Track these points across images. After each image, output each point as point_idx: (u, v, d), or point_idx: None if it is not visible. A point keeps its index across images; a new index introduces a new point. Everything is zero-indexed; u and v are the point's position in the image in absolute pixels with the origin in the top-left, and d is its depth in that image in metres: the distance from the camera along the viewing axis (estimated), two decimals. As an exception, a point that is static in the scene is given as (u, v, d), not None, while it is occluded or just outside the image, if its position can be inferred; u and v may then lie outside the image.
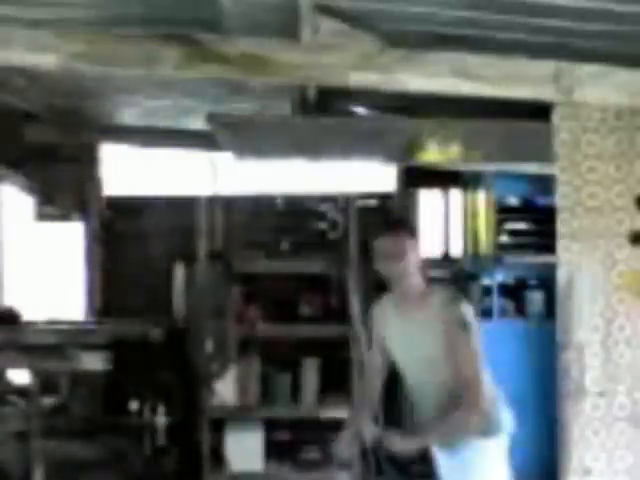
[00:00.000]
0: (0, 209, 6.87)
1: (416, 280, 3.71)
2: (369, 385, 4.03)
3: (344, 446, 3.97)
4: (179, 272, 6.90)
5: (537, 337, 5.87)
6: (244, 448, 6.18)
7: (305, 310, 6.51)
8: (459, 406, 3.55)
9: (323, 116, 5.39)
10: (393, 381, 4.04)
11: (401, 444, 3.63)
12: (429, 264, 7.12)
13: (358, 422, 3.84)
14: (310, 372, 6.36)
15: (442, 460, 3.85)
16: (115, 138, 7.06)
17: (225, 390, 6.20)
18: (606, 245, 4.01)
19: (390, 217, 6.68)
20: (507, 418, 3.78)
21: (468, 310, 3.65)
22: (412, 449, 3.64)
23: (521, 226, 6.21)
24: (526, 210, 6.16)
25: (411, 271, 3.68)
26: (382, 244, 3.68)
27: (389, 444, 3.64)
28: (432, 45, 3.88)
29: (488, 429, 3.65)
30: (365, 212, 6.59)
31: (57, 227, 7.08)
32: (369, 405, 3.96)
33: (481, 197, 6.34)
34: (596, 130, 4.03)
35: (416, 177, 6.71)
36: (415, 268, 3.70)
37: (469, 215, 6.65)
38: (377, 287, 4.12)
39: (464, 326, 3.59)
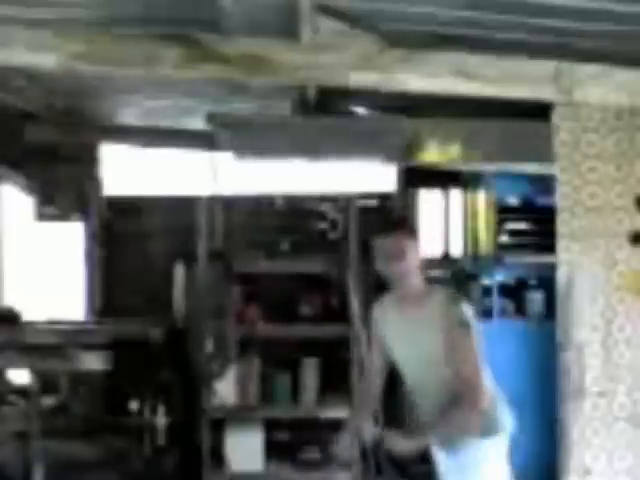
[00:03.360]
0: (0, 209, 6.87)
1: (416, 280, 3.73)
2: (369, 385, 4.02)
3: (344, 447, 3.98)
4: (179, 272, 6.88)
5: (537, 337, 5.87)
6: (244, 448, 6.18)
7: (305, 310, 6.51)
8: (459, 405, 3.56)
9: (323, 116, 5.39)
10: (394, 381, 4.04)
11: (401, 444, 3.64)
12: (429, 264, 7.14)
13: (358, 422, 3.84)
14: (310, 372, 6.36)
15: (442, 460, 3.86)
16: (115, 138, 7.05)
17: (225, 390, 6.20)
18: (606, 245, 4.00)
19: (390, 217, 6.65)
20: (507, 418, 3.79)
21: (468, 310, 3.67)
22: (412, 449, 3.65)
23: (521, 226, 6.21)
24: (526, 210, 6.15)
25: (411, 271, 3.70)
26: (383, 244, 3.70)
27: (389, 444, 3.65)
28: (432, 45, 3.88)
29: (488, 429, 3.66)
30: (365, 212, 6.59)
31: (57, 227, 7.07)
32: (369, 405, 3.95)
33: (481, 197, 6.33)
34: (596, 130, 4.03)
35: (416, 177, 6.70)
36: (415, 268, 3.72)
37: (469, 215, 6.65)
38: (377, 287, 4.13)
39: (464, 325, 3.60)
